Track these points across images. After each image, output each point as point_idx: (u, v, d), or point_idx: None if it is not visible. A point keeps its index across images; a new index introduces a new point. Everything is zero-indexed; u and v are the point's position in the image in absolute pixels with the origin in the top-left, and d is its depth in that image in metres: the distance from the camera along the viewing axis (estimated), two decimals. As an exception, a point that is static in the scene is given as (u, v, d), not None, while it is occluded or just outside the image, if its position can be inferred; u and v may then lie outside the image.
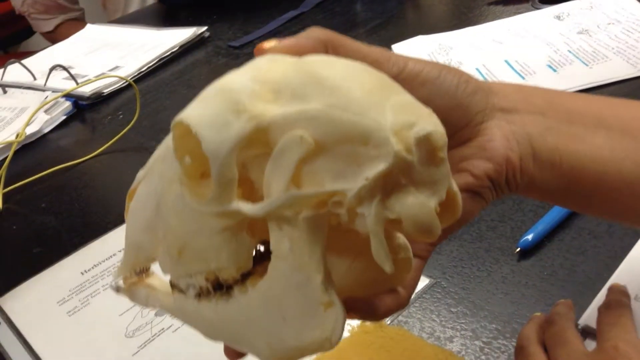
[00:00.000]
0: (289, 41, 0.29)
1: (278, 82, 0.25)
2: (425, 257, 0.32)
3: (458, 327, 0.49)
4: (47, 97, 1.01)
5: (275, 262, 0.25)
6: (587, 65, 0.79)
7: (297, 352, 0.26)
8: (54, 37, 1.61)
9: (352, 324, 0.51)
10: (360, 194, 0.23)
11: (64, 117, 1.00)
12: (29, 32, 2.09)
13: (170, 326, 0.55)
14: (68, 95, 1.02)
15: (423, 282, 0.54)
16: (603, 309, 0.43)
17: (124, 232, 0.32)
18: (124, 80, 1.04)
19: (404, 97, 0.25)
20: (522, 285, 0.51)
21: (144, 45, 1.19)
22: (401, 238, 0.29)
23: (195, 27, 1.19)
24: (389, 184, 0.23)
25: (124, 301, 0.58)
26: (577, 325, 0.45)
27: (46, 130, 0.98)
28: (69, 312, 0.60)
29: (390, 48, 0.88)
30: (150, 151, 0.31)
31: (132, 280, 0.32)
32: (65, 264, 0.67)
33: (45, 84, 1.07)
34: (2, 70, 1.16)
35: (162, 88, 1.05)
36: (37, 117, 0.97)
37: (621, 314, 0.42)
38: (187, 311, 0.29)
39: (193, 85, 1.01)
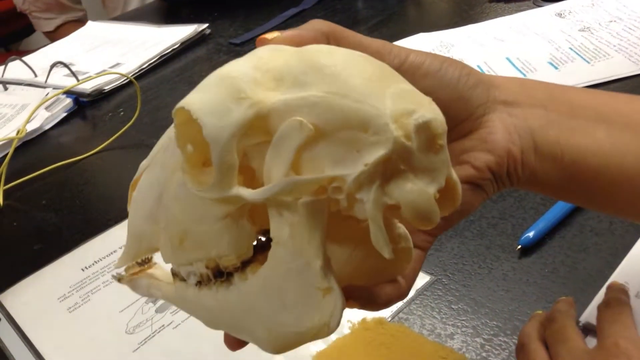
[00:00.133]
0: (291, 32, 0.29)
1: (279, 70, 0.25)
2: (425, 248, 0.32)
3: (459, 324, 0.49)
4: (47, 94, 1.01)
5: (275, 248, 0.25)
6: (588, 62, 0.79)
7: (296, 338, 0.26)
8: (54, 37, 1.61)
9: (353, 321, 0.51)
10: (360, 179, 0.23)
11: (65, 114, 1.00)
12: (30, 29, 2.08)
13: (171, 323, 0.55)
14: (69, 92, 1.02)
15: (424, 279, 0.54)
16: (603, 307, 0.43)
17: (124, 229, 0.32)
18: (125, 77, 1.04)
19: (404, 85, 0.25)
20: (523, 283, 0.51)
21: (145, 43, 1.19)
22: (401, 228, 0.29)
23: (196, 24, 1.19)
24: (388, 171, 0.24)
25: (124, 298, 0.59)
26: (578, 322, 0.45)
27: (47, 127, 0.98)
28: (70, 308, 0.60)
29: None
30: (151, 148, 0.31)
31: (134, 270, 0.33)
32: (66, 260, 0.67)
33: (46, 81, 1.07)
34: (3, 67, 1.16)
35: (163, 85, 1.05)
36: (37, 114, 0.97)
37: (621, 312, 0.42)
38: (188, 299, 0.29)
39: (194, 82, 0.99)
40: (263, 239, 0.28)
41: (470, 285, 0.52)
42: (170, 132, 0.29)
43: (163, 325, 0.55)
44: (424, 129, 0.24)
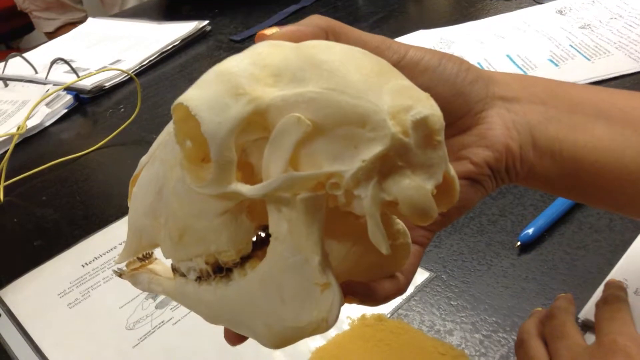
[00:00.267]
0: (289, 28, 0.29)
1: (277, 66, 0.25)
2: (424, 243, 0.32)
3: (458, 320, 0.49)
4: (48, 90, 1.01)
5: (274, 244, 0.25)
6: (589, 59, 0.79)
7: (295, 333, 0.26)
8: (54, 38, 1.62)
9: (353, 317, 0.51)
10: (357, 175, 0.23)
11: (65, 111, 1.01)
12: (30, 27, 2.09)
13: (171, 319, 0.56)
14: (69, 89, 1.02)
15: (423, 275, 0.54)
16: (601, 304, 0.43)
17: (124, 225, 0.32)
18: (125, 74, 1.04)
19: (402, 81, 0.25)
20: (523, 279, 0.51)
21: (146, 39, 1.19)
22: (400, 224, 0.29)
23: (196, 21, 1.19)
24: (386, 167, 0.24)
25: (124, 294, 0.59)
26: (577, 319, 0.45)
27: (47, 123, 0.98)
28: (70, 304, 0.60)
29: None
30: (151, 144, 0.31)
31: (135, 265, 0.33)
32: (66, 256, 0.67)
33: (46, 78, 1.07)
34: (4, 63, 1.16)
35: (163, 82, 1.06)
36: (38, 110, 0.97)
37: (619, 309, 0.42)
38: (188, 295, 0.30)
39: (194, 79, 0.99)
40: (262, 234, 0.28)
41: (469, 282, 0.52)
42: (169, 128, 0.29)
43: (163, 321, 0.55)
44: (422, 125, 0.24)
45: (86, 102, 1.03)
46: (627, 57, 0.78)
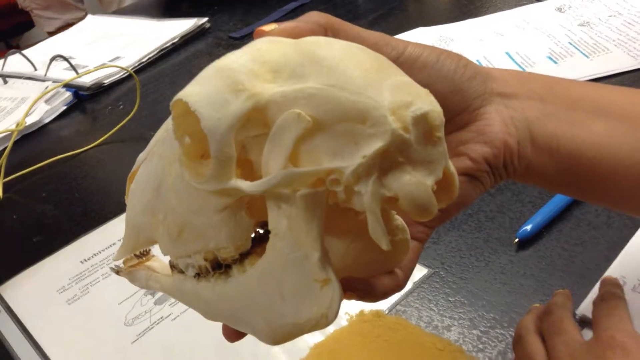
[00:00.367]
0: (288, 24, 0.29)
1: (277, 62, 0.25)
2: (423, 239, 0.32)
3: (456, 316, 0.49)
4: (47, 87, 1.01)
5: (274, 241, 0.25)
6: (587, 57, 0.79)
7: (295, 330, 0.26)
8: None
9: (351, 313, 0.51)
10: (358, 171, 0.23)
11: (65, 108, 1.01)
12: (29, 24, 2.08)
13: (169, 315, 0.56)
14: (68, 86, 1.02)
15: (422, 271, 0.54)
16: (598, 302, 0.43)
17: (123, 222, 0.32)
18: (125, 71, 1.04)
19: (402, 78, 0.25)
20: (520, 276, 0.52)
21: (145, 36, 1.19)
22: (399, 220, 0.29)
23: (195, 18, 1.19)
24: (386, 163, 0.24)
25: (123, 290, 0.59)
26: (574, 315, 0.45)
27: (47, 120, 0.98)
28: (69, 300, 0.60)
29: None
30: (150, 141, 0.31)
31: (132, 262, 0.33)
32: (65, 252, 0.67)
33: (45, 74, 1.07)
34: (3, 60, 1.16)
35: (163, 79, 1.06)
36: (37, 107, 0.97)
37: (616, 306, 0.42)
38: (186, 291, 0.29)
39: (193, 76, 0.99)
40: (261, 231, 0.28)
41: (467, 278, 0.52)
42: (167, 125, 0.29)
43: (162, 317, 0.56)
44: (422, 121, 0.24)
45: (85, 99, 1.03)
46: (626, 54, 0.78)
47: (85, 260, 0.65)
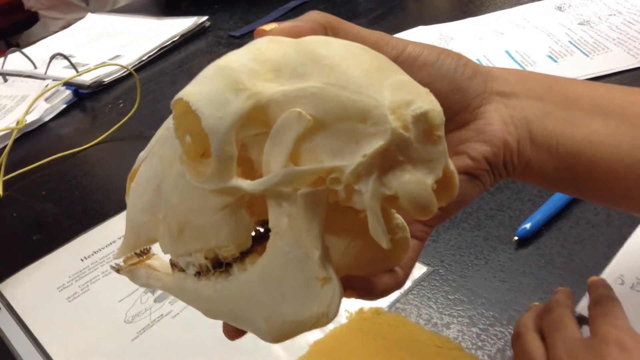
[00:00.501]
0: (288, 24, 0.29)
1: (277, 61, 0.25)
2: (422, 238, 0.33)
3: (455, 314, 0.49)
4: (47, 85, 1.01)
5: (274, 239, 0.25)
6: (587, 56, 0.79)
7: (295, 328, 0.26)
8: None
9: (350, 311, 0.51)
10: (358, 170, 0.23)
11: (65, 106, 1.01)
12: (29, 22, 2.08)
13: (170, 312, 0.56)
14: (68, 84, 1.02)
15: (421, 269, 0.54)
16: (593, 305, 0.43)
17: (123, 219, 0.32)
18: (125, 69, 1.04)
19: (402, 77, 0.25)
20: (520, 274, 0.52)
21: (145, 35, 1.19)
22: (399, 218, 0.29)
23: (196, 17, 1.19)
24: (386, 161, 0.24)
25: (123, 287, 0.59)
26: (574, 312, 0.45)
27: (47, 118, 0.98)
28: (69, 298, 0.60)
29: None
30: (150, 140, 0.31)
31: (133, 261, 0.33)
32: (65, 250, 0.67)
33: (45, 73, 1.07)
34: (3, 58, 1.16)
35: (163, 77, 1.06)
36: (37, 105, 0.97)
37: (612, 306, 0.42)
38: (187, 290, 0.30)
39: (193, 74, 0.99)
40: (262, 229, 0.28)
41: (467, 276, 0.53)
42: (168, 124, 0.29)
43: (162, 315, 0.56)
44: (422, 119, 0.24)
45: (85, 97, 1.03)
46: (625, 53, 0.78)
47: (85, 258, 0.65)
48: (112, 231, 0.68)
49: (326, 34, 0.30)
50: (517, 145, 0.32)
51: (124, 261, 0.33)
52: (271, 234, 0.26)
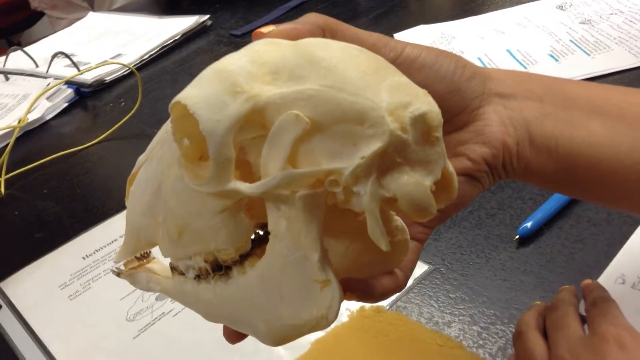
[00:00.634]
0: (286, 26, 0.29)
1: (275, 64, 0.25)
2: (422, 239, 0.33)
3: (456, 312, 0.50)
4: (49, 84, 1.01)
5: (273, 242, 0.25)
6: (589, 55, 0.79)
7: (295, 331, 0.26)
8: None
9: (352, 309, 0.51)
10: (356, 172, 0.23)
11: (66, 104, 1.01)
12: (30, 21, 2.08)
13: (171, 310, 0.56)
14: (70, 83, 1.02)
15: (422, 268, 0.54)
16: (590, 307, 0.44)
17: (124, 218, 0.32)
18: (126, 68, 1.04)
19: (400, 78, 0.25)
20: (521, 272, 0.52)
21: (146, 34, 1.19)
22: (398, 221, 0.29)
23: (197, 16, 1.19)
24: (385, 163, 0.24)
25: (124, 286, 0.59)
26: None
27: (48, 117, 0.98)
28: (70, 296, 0.60)
29: (392, 37, 0.88)
30: (151, 139, 0.31)
31: (133, 264, 0.33)
32: (67, 249, 0.67)
33: (47, 71, 1.07)
34: (5, 57, 1.16)
35: (164, 76, 1.06)
36: (39, 103, 0.97)
37: (609, 306, 0.42)
38: (187, 293, 0.29)
39: (195, 73, 0.99)
40: (261, 232, 0.28)
41: (468, 275, 0.53)
42: (167, 126, 0.29)
43: (163, 313, 0.56)
44: (420, 121, 0.24)
45: (87, 96, 1.04)
46: (627, 52, 0.78)
47: (87, 257, 0.65)
48: (113, 229, 0.68)
49: (324, 36, 0.30)
50: (516, 147, 0.32)
51: (125, 265, 0.33)
52: (270, 237, 0.25)
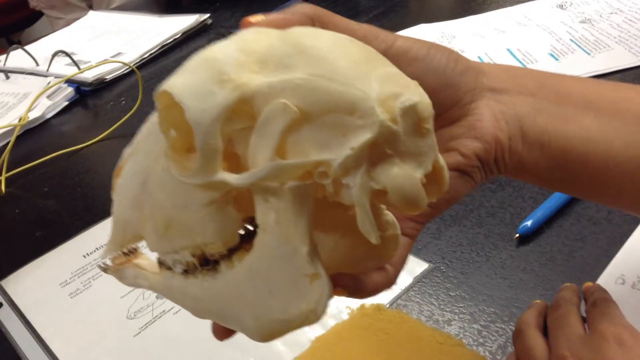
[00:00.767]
0: (275, 16, 0.29)
1: (264, 52, 0.24)
2: (413, 235, 0.32)
3: (456, 310, 0.50)
4: (49, 82, 1.01)
5: (262, 235, 0.25)
6: (589, 54, 0.79)
7: (283, 325, 0.26)
8: None
9: (352, 307, 0.51)
10: (346, 163, 0.23)
11: (67, 103, 1.01)
12: (30, 20, 2.08)
13: (172, 308, 0.56)
14: (70, 81, 1.02)
15: (422, 266, 0.54)
16: (590, 307, 0.44)
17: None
18: (127, 67, 1.04)
19: (390, 69, 0.25)
20: (521, 271, 0.52)
21: (147, 32, 1.19)
22: (389, 215, 0.29)
23: (197, 14, 1.19)
24: (375, 155, 0.23)
25: (125, 284, 0.59)
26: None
27: (49, 115, 0.98)
28: (71, 294, 0.60)
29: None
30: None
31: (120, 260, 0.32)
32: (67, 247, 0.67)
33: (47, 70, 1.07)
34: (5, 56, 1.16)
35: (165, 75, 1.04)
36: (39, 102, 0.97)
37: (608, 306, 0.42)
38: (175, 288, 0.29)
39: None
40: (250, 227, 0.28)
41: (468, 273, 0.53)
42: (153, 118, 0.28)
43: (164, 311, 0.56)
44: (410, 112, 0.23)
45: (87, 95, 1.03)
46: (627, 51, 0.78)
47: (88, 255, 0.65)
48: (114, 228, 0.68)
49: (314, 26, 0.29)
50: (508, 142, 0.32)
51: (112, 260, 0.32)
52: (258, 230, 0.25)
